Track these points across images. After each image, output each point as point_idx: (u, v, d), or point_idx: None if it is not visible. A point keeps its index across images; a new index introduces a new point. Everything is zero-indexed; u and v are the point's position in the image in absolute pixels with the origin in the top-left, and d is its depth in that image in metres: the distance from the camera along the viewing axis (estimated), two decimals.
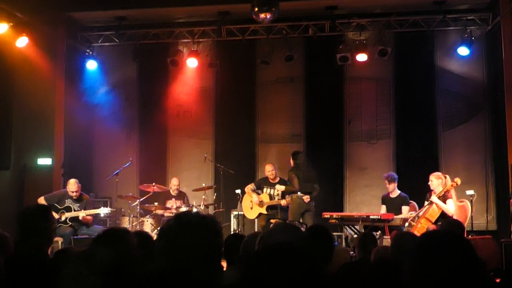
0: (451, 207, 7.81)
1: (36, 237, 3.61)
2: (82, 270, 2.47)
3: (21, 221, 3.70)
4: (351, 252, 7.50)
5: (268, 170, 9.47)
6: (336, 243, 8.76)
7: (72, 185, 8.72)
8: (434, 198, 7.87)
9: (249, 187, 9.48)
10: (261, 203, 9.28)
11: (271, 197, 9.31)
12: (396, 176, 8.93)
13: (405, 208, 8.63)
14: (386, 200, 8.90)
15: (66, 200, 8.70)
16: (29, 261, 3.25)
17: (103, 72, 11.25)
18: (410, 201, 8.77)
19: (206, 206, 9.81)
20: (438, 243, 1.94)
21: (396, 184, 8.81)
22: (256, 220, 9.44)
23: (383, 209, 8.81)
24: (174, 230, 1.97)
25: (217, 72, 11.11)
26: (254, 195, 9.34)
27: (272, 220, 8.80)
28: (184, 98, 11.33)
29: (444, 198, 7.90)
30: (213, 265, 1.93)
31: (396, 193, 8.80)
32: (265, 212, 9.23)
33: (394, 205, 8.71)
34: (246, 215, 9.52)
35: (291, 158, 9.19)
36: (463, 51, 9.90)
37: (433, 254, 1.90)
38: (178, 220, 2.00)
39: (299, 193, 8.94)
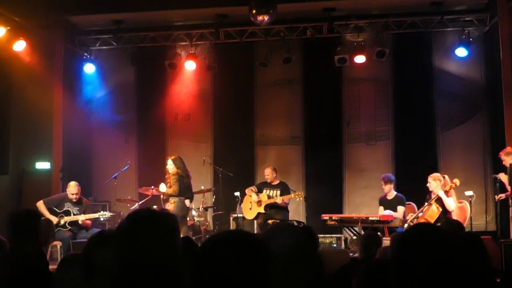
0: (452, 204, 7.84)
1: (27, 240, 3.69)
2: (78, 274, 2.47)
3: (11, 224, 3.79)
4: (351, 254, 7.54)
5: (266, 174, 9.49)
6: (335, 245, 8.80)
7: (73, 188, 8.70)
8: (441, 192, 7.86)
9: (250, 188, 9.51)
10: (259, 203, 9.29)
11: (269, 197, 9.31)
12: (393, 177, 8.97)
13: (400, 208, 8.66)
14: (383, 202, 8.92)
15: (65, 204, 8.66)
16: (25, 264, 3.32)
17: (101, 76, 11.26)
18: (409, 203, 8.81)
19: (205, 209, 9.89)
20: (416, 235, 1.96)
21: (392, 186, 8.85)
22: (255, 221, 9.44)
23: (381, 211, 8.82)
24: (125, 228, 1.95)
25: (215, 75, 11.12)
26: (253, 194, 9.36)
27: (269, 221, 8.80)
28: (182, 101, 11.35)
29: None
30: (168, 261, 1.88)
31: (392, 194, 8.83)
32: (263, 211, 9.24)
33: (391, 207, 8.73)
34: (245, 216, 9.52)
35: (172, 163, 8.84)
36: (461, 52, 9.92)
37: (410, 246, 1.92)
38: (129, 218, 1.99)
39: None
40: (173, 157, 8.96)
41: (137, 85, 11.53)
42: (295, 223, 6.96)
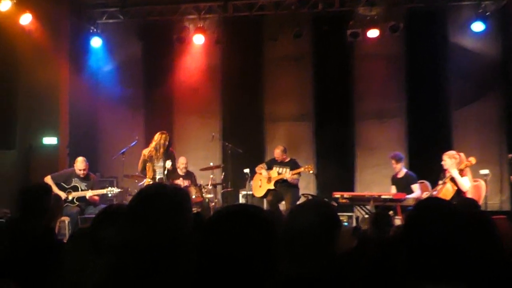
0: (466, 183, 7.70)
1: (37, 216, 3.70)
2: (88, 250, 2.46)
3: (23, 199, 3.78)
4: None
5: (276, 155, 9.38)
6: (346, 224, 8.75)
7: (80, 163, 8.64)
8: (454, 172, 7.73)
9: (260, 166, 9.46)
10: (269, 179, 9.23)
11: (279, 174, 9.23)
12: (402, 155, 8.87)
13: (415, 186, 8.53)
14: (394, 180, 8.84)
15: (73, 179, 8.62)
16: (34, 240, 3.36)
17: (107, 50, 11.13)
18: (423, 181, 8.70)
19: (214, 186, 9.80)
20: (425, 211, 2.00)
21: (403, 164, 8.74)
22: (264, 200, 9.36)
23: (393, 190, 8.72)
24: (136, 203, 1.99)
25: (223, 49, 10.97)
26: (264, 171, 9.31)
27: (303, 195, 8.81)
28: (190, 76, 11.23)
29: None
30: (179, 236, 1.92)
31: (402, 172, 8.74)
32: (272, 187, 9.18)
33: (401, 185, 8.64)
34: (254, 193, 9.47)
35: (166, 140, 8.68)
36: (477, 26, 9.72)
37: (417, 222, 1.97)
38: (140, 193, 2.03)
39: None
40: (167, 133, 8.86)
41: (144, 59, 11.44)
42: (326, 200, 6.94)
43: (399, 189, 8.58)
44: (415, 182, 8.58)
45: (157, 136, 8.71)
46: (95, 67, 11.12)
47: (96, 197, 8.69)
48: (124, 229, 1.99)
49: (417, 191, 8.48)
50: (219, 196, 10.34)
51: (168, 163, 8.54)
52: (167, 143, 8.68)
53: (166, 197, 1.97)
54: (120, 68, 11.33)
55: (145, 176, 8.75)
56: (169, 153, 8.70)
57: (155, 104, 11.41)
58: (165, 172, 8.57)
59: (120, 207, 2.61)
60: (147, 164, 8.71)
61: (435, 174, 8.29)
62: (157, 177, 8.65)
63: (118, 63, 11.32)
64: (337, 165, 10.31)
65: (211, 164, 9.99)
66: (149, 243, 1.88)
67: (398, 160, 8.73)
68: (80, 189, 8.56)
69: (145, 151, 8.72)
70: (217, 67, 11.29)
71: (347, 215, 9.06)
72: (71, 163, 9.07)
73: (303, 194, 9.11)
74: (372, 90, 10.70)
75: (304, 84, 11.00)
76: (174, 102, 11.46)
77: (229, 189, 9.94)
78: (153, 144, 8.69)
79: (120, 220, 2.28)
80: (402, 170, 8.73)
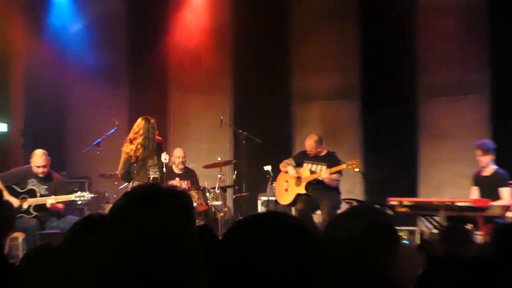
0: None
1: None
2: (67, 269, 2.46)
3: None
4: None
5: (308, 148, 9.14)
6: (407, 242, 8.66)
7: (39, 158, 8.45)
8: None
9: (286, 161, 9.24)
10: (298, 180, 9.04)
11: (312, 173, 9.03)
12: (492, 145, 8.48)
13: (504, 191, 8.16)
14: (478, 180, 8.51)
15: (29, 181, 8.48)
16: None
17: (76, 4, 11.23)
18: None
19: (223, 189, 9.79)
20: None
21: (492, 157, 8.37)
22: (293, 209, 9.13)
23: (475, 192, 8.42)
24: (122, 208, 1.99)
25: (234, 4, 11.18)
26: (291, 168, 9.12)
27: (346, 202, 8.73)
28: (190, 39, 11.39)
29: None
30: (179, 250, 1.92)
31: (490, 169, 8.38)
32: (303, 191, 8.96)
33: (488, 187, 8.32)
34: (279, 200, 9.35)
35: (155, 130, 8.33)
36: None
37: None
38: (128, 196, 2.03)
39: None
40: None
41: (127, 16, 11.50)
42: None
43: (483, 192, 8.29)
44: (506, 185, 8.24)
45: (142, 127, 8.26)
46: (60, 26, 11.16)
47: (61, 205, 8.52)
48: (106, 237, 1.99)
49: (506, 196, 8.15)
50: (230, 203, 10.44)
51: (165, 157, 8.31)
52: (156, 132, 8.38)
53: (162, 199, 1.97)
54: (94, 28, 11.40)
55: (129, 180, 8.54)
56: (158, 144, 8.43)
57: (143, 77, 11.47)
58: (163, 168, 8.39)
59: (102, 217, 2.61)
60: (134, 166, 8.38)
61: None
62: (152, 176, 8.37)
63: (92, 21, 11.39)
64: (393, 161, 10.30)
65: (219, 159, 9.96)
66: (141, 257, 1.87)
67: (486, 151, 8.38)
68: (39, 194, 8.42)
69: (129, 150, 8.30)
70: (226, 27, 11.40)
71: (408, 230, 9.04)
72: (27, 158, 8.96)
73: (345, 200, 8.94)
74: (442, 56, 10.57)
75: (347, 49, 10.97)
76: (169, 74, 11.66)
77: (243, 194, 9.97)
78: (139, 139, 8.25)
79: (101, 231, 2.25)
80: (490, 165, 8.38)
